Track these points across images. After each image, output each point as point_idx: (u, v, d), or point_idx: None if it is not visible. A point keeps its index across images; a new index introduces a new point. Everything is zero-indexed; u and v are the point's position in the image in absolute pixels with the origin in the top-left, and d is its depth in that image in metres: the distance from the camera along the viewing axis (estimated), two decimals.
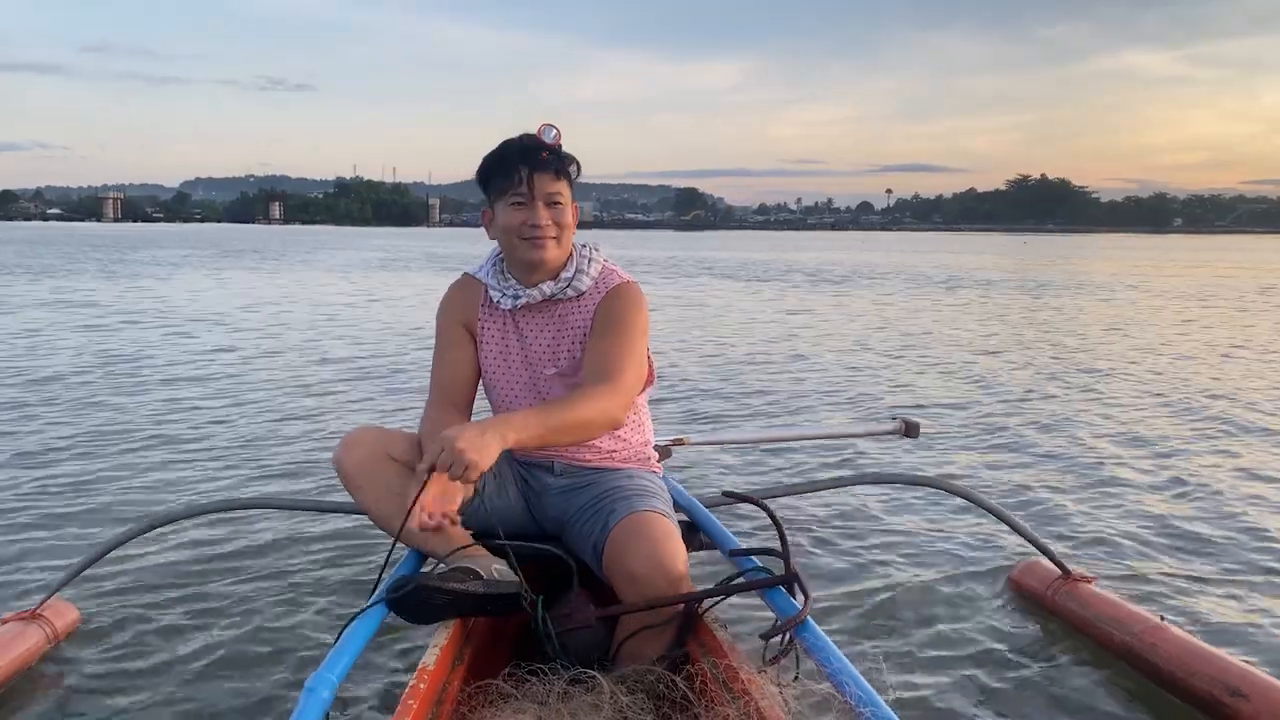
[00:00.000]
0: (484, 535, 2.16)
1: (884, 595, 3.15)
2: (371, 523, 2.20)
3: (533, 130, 2.16)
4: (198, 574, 3.25)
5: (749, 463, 4.94)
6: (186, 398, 6.63)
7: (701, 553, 2.42)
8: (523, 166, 2.11)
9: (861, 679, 1.55)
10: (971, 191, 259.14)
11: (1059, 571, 2.98)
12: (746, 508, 3.35)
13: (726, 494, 2.41)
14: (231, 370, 7.96)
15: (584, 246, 2.26)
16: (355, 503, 2.19)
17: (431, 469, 1.81)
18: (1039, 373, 8.38)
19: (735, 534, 2.28)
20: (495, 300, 2.25)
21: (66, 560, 3.25)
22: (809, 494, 3.57)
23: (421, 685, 1.68)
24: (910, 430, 3.65)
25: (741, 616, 2.66)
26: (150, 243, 46.59)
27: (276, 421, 5.88)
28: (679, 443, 3.45)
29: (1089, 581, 2.95)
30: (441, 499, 1.92)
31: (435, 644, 1.86)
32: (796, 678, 1.77)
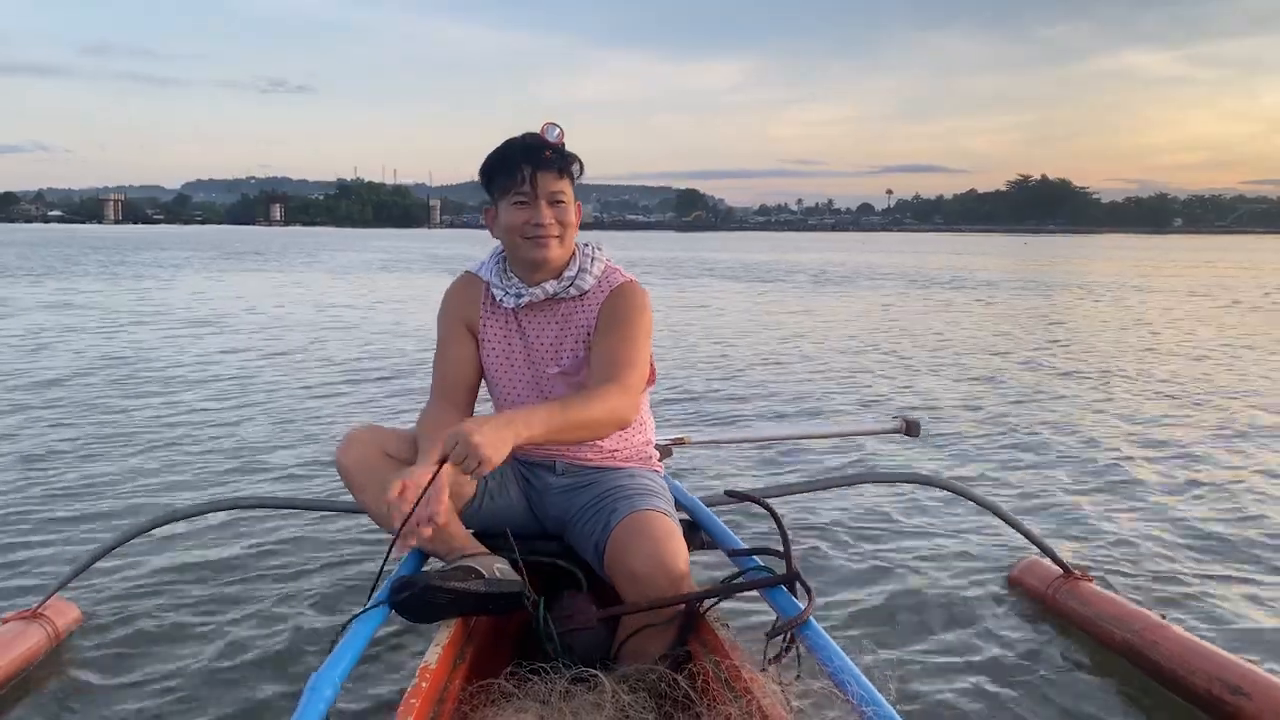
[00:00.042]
0: (485, 534, 2.16)
1: (885, 594, 3.15)
2: (372, 522, 2.20)
3: (534, 130, 2.17)
4: (199, 573, 3.25)
5: (750, 462, 4.94)
6: (187, 398, 6.63)
7: (703, 552, 2.42)
8: (526, 165, 2.11)
9: (863, 677, 1.55)
10: (972, 192, 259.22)
11: (1060, 570, 2.98)
12: (747, 507, 3.36)
13: (729, 493, 2.41)
14: (233, 371, 7.96)
15: (586, 246, 2.26)
16: (356, 501, 2.20)
17: (442, 461, 1.81)
18: (1039, 372, 8.38)
19: (736, 533, 2.29)
20: (498, 299, 2.25)
21: (68, 559, 3.26)
22: (810, 493, 3.57)
23: (423, 684, 1.69)
24: (911, 429, 3.66)
25: (743, 616, 2.66)
26: (151, 244, 46.61)
27: (278, 422, 5.88)
28: (680, 442, 3.45)
29: (1089, 580, 2.95)
30: (425, 500, 1.91)
31: (437, 643, 1.86)
32: (798, 676, 1.77)
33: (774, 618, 1.88)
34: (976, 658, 2.68)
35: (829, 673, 1.61)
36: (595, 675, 1.74)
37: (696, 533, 2.38)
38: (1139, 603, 2.88)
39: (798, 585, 1.92)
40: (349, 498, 2.27)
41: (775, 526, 2.01)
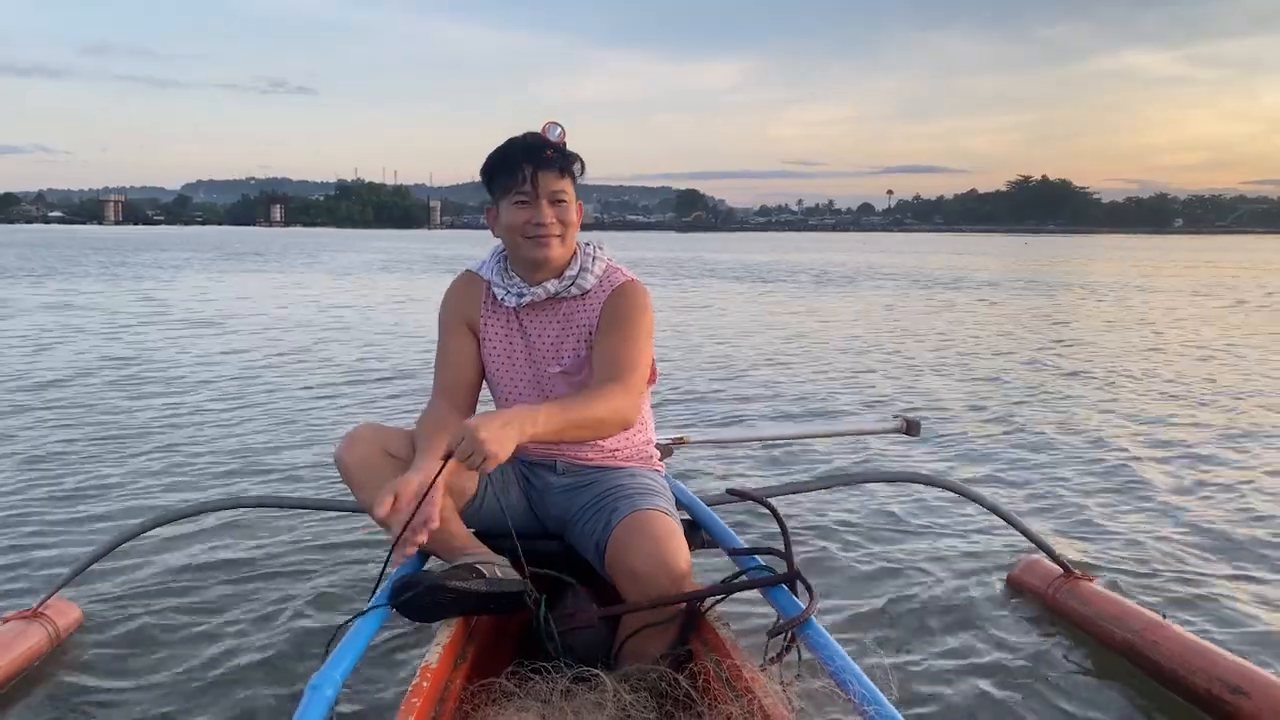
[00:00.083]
0: (486, 534, 2.16)
1: (885, 593, 3.15)
2: (373, 520, 2.20)
3: (535, 129, 2.17)
4: (200, 572, 3.26)
5: (750, 462, 4.95)
6: (188, 399, 6.63)
7: (704, 551, 2.42)
8: (527, 165, 2.11)
9: (864, 676, 1.56)
10: (972, 192, 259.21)
11: (1060, 569, 2.98)
12: (748, 507, 3.36)
13: (731, 491, 2.41)
14: (234, 371, 7.97)
15: (588, 245, 2.26)
16: (357, 500, 2.20)
17: (448, 457, 1.81)
18: (1043, 372, 8.38)
19: (737, 533, 2.29)
20: (499, 297, 2.25)
21: (68, 559, 3.26)
22: (810, 492, 3.57)
23: (425, 683, 1.69)
24: (911, 428, 3.65)
25: (744, 615, 2.66)
26: (152, 245, 46.62)
27: (279, 421, 5.88)
28: (681, 442, 3.45)
29: (1089, 579, 2.95)
30: (426, 501, 1.91)
31: (438, 642, 1.86)
32: (800, 676, 1.77)
33: (775, 617, 1.88)
34: (977, 657, 2.68)
35: (830, 672, 1.62)
36: (596, 674, 1.74)
37: (697, 532, 2.38)
38: (1139, 602, 2.88)
39: (799, 584, 1.92)
40: (349, 496, 2.27)
41: (776, 526, 2.01)
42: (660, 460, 2.42)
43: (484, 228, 2.29)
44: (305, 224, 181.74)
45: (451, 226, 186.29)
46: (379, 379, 7.71)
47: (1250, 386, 7.66)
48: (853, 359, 9.23)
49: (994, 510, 3.01)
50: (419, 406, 2.24)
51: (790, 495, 3.19)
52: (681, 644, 1.95)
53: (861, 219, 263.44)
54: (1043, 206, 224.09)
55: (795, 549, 1.99)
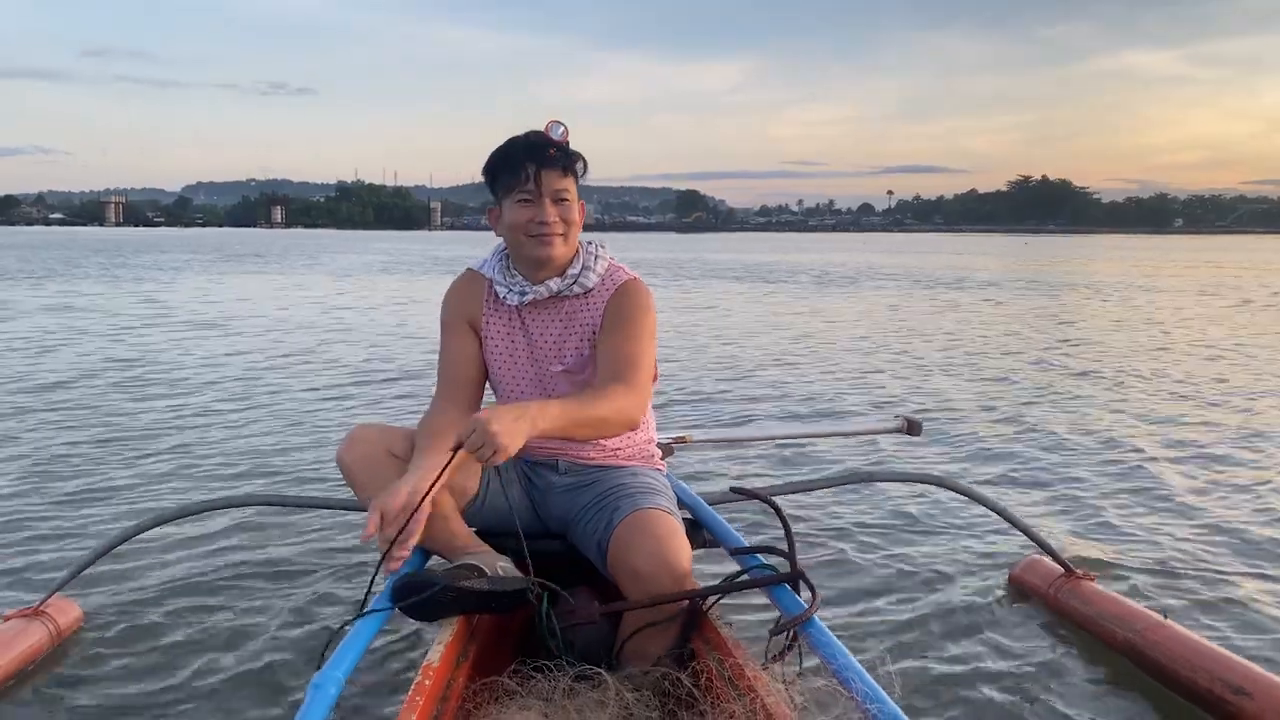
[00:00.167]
0: (487, 533, 2.16)
1: (888, 592, 3.15)
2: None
3: (536, 129, 2.17)
4: (202, 571, 3.25)
5: (751, 461, 4.95)
6: (189, 399, 6.64)
7: (706, 551, 2.42)
8: (530, 163, 2.11)
9: (867, 675, 1.55)
10: (972, 192, 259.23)
11: (1061, 569, 2.97)
12: (750, 506, 3.36)
13: (735, 490, 2.41)
14: (237, 373, 7.97)
15: (590, 244, 2.26)
16: (358, 500, 2.20)
17: (457, 448, 1.82)
18: (1050, 372, 8.38)
19: (740, 532, 2.28)
20: (501, 296, 2.25)
21: (69, 558, 3.26)
22: (812, 491, 3.57)
23: (427, 682, 1.69)
24: (913, 428, 3.66)
25: (746, 614, 2.66)
26: (152, 247, 46.62)
27: (279, 421, 5.88)
28: (682, 441, 3.45)
29: (1091, 579, 2.95)
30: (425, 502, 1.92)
31: (440, 641, 1.86)
32: (802, 674, 1.77)
33: (777, 616, 1.88)
34: (978, 656, 2.68)
35: (833, 670, 1.62)
36: (599, 673, 1.74)
37: (699, 531, 2.38)
38: (1141, 602, 2.88)
39: (801, 583, 1.92)
40: (351, 496, 2.27)
41: (778, 525, 2.01)
42: (662, 459, 2.42)
43: (484, 229, 2.29)
44: (306, 225, 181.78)
45: (452, 228, 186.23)
46: (383, 380, 7.71)
47: (1261, 386, 7.65)
48: (860, 359, 9.22)
49: (995, 509, 3.01)
50: (423, 407, 2.24)
51: (792, 494, 3.18)
52: (684, 643, 1.95)
53: (861, 219, 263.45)
54: (1043, 206, 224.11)
55: (797, 548, 1.99)
